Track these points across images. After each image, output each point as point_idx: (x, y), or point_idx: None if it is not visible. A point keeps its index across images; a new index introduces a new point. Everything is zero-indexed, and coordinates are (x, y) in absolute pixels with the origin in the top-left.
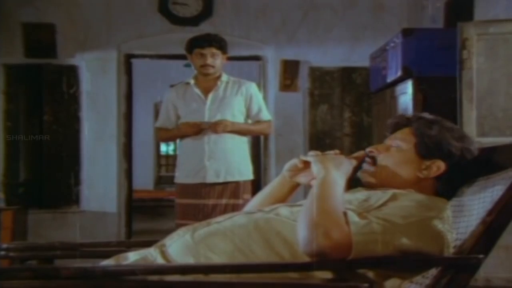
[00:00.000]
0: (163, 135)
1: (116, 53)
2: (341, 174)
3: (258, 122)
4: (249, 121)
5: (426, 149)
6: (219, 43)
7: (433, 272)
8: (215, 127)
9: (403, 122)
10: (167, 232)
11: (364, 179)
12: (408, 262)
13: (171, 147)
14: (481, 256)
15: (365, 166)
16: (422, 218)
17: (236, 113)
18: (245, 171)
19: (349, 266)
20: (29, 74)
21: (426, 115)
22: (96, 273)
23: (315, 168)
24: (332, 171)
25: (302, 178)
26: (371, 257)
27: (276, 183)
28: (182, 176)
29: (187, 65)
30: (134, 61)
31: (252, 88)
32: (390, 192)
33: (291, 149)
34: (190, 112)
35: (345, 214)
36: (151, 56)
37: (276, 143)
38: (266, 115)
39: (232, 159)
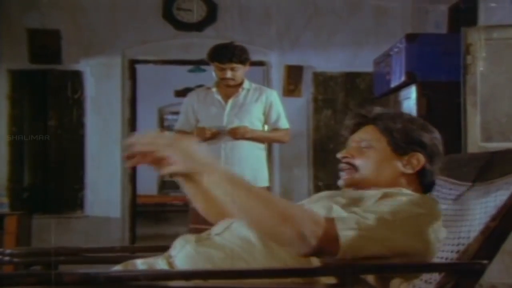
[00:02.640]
0: None
1: (120, 58)
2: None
3: (276, 129)
4: (266, 128)
5: (400, 144)
6: (239, 58)
7: (436, 277)
8: (235, 132)
9: (363, 121)
10: (171, 237)
11: (347, 186)
12: (411, 268)
13: None
14: (485, 261)
15: (345, 174)
16: (412, 215)
17: (254, 120)
18: (260, 178)
19: (353, 272)
20: (34, 79)
21: (384, 110)
22: (99, 279)
23: (181, 166)
24: (215, 167)
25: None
26: (375, 264)
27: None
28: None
29: (191, 71)
30: (138, 66)
31: (273, 96)
32: (382, 190)
33: (295, 154)
34: (209, 116)
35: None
36: (155, 62)
37: (280, 149)
38: (284, 123)
39: (248, 166)
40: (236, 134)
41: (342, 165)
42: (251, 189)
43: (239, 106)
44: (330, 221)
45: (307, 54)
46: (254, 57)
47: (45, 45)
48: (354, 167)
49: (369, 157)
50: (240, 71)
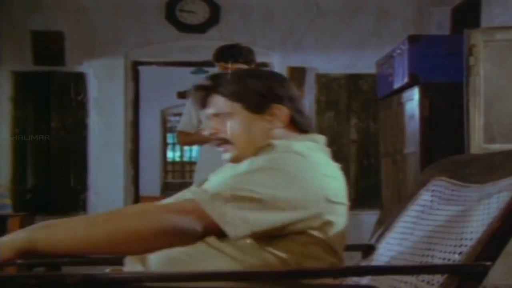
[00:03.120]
0: (184, 138)
1: (123, 60)
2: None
3: None
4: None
5: (254, 103)
6: (245, 58)
7: (439, 279)
8: None
9: (207, 93)
10: None
11: (234, 162)
12: (414, 269)
13: (178, 153)
14: (488, 263)
15: (224, 149)
16: (281, 166)
17: None
18: None
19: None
20: (37, 81)
21: (223, 73)
22: (102, 281)
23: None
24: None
25: None
26: (372, 266)
27: None
28: (200, 181)
29: (194, 72)
30: (141, 68)
31: None
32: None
33: None
34: None
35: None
36: (158, 63)
37: None
38: None
39: None
40: None
41: (216, 142)
42: (91, 224)
43: None
44: (194, 202)
45: (310, 55)
46: (257, 59)
47: (49, 46)
48: (226, 141)
49: (233, 127)
50: None
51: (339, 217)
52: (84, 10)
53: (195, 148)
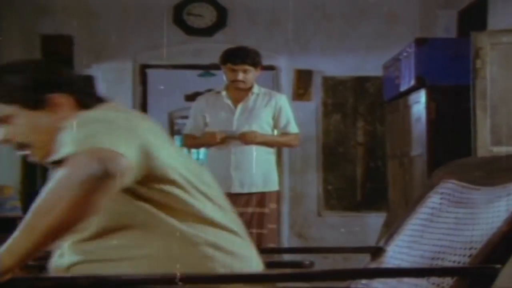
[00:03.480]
0: (190, 142)
1: (131, 63)
2: None
3: (285, 134)
4: (276, 132)
5: (26, 98)
6: (252, 60)
7: (448, 281)
8: (245, 137)
9: None
10: None
11: (43, 162)
12: (423, 271)
13: None
14: (498, 266)
15: (29, 157)
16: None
17: (263, 125)
18: (270, 182)
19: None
20: None
21: None
22: (112, 282)
23: None
24: None
25: None
26: (379, 268)
27: None
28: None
29: (202, 75)
30: (149, 71)
31: (282, 100)
32: None
33: (304, 158)
34: (218, 121)
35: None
36: (165, 66)
37: (289, 152)
38: (294, 127)
39: (258, 170)
40: (246, 139)
41: (16, 149)
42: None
43: (249, 110)
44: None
45: (317, 58)
46: (264, 62)
47: (58, 50)
48: (24, 145)
49: (21, 129)
50: (251, 74)
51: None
52: (93, 15)
53: (202, 150)
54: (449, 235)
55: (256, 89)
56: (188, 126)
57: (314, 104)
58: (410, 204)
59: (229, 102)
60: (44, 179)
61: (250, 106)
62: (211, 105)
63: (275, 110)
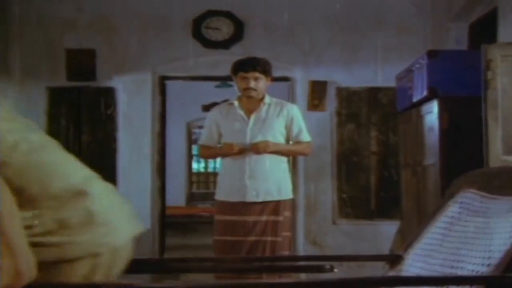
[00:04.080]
0: (206, 152)
1: (151, 75)
2: None
3: (298, 142)
4: (290, 142)
5: None
6: (262, 67)
7: None
8: (257, 147)
9: None
10: (199, 247)
11: None
12: (443, 280)
13: (202, 164)
14: None
15: None
16: None
17: (277, 134)
18: (284, 191)
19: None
20: (70, 96)
21: None
22: None
23: None
24: None
25: None
26: (410, 276)
27: None
28: (222, 193)
29: (218, 86)
30: (168, 82)
31: (294, 110)
32: None
33: (319, 167)
34: (232, 131)
35: None
36: (184, 78)
37: (304, 162)
38: (306, 136)
39: (272, 179)
40: (258, 149)
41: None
42: None
43: (262, 121)
44: None
45: (331, 70)
46: (279, 73)
47: (81, 63)
48: None
49: None
50: (262, 82)
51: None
52: (115, 29)
53: (218, 159)
54: (468, 244)
55: (267, 99)
56: (203, 137)
57: (328, 114)
58: (425, 212)
59: (242, 112)
60: None
61: (263, 116)
62: (224, 116)
63: (287, 119)
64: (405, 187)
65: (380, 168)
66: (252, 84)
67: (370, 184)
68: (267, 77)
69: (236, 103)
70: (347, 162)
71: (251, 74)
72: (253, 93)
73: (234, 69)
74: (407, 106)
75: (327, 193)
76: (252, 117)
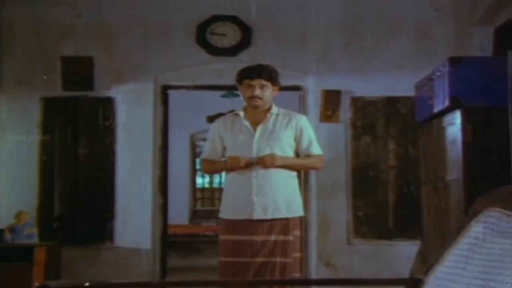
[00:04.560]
0: (209, 167)
1: (152, 84)
2: None
3: (308, 156)
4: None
5: None
6: (268, 74)
7: None
8: (263, 161)
9: None
10: (204, 269)
11: None
12: None
13: (207, 179)
14: None
15: None
16: None
17: (285, 147)
18: (294, 207)
19: None
20: (66, 107)
21: None
22: None
23: None
24: None
25: None
26: None
27: None
28: (227, 211)
29: (224, 96)
30: (171, 92)
31: (303, 121)
32: None
33: (333, 182)
34: (237, 144)
35: None
36: (187, 87)
37: (317, 177)
38: (317, 149)
39: (281, 195)
40: (265, 162)
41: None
42: None
43: (269, 132)
44: None
45: (345, 78)
46: (290, 82)
47: (78, 72)
48: None
49: None
50: (268, 91)
51: None
52: (114, 35)
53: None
54: (494, 268)
55: (275, 109)
56: (206, 150)
57: (342, 125)
58: (448, 232)
59: (247, 124)
60: (62, 205)
61: (270, 127)
62: (229, 128)
63: (296, 131)
64: (426, 205)
65: (398, 183)
66: (258, 92)
67: (388, 201)
68: (274, 86)
69: (241, 113)
70: (363, 177)
71: (256, 82)
72: (259, 102)
73: (238, 77)
74: (427, 117)
75: (342, 210)
76: (259, 128)
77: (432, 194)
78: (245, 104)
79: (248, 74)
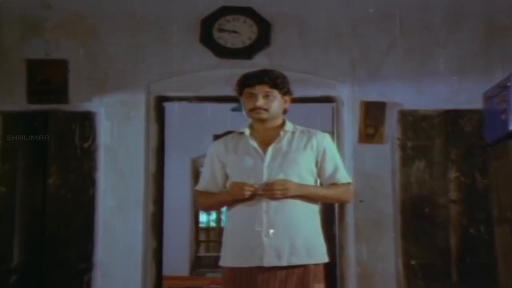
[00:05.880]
0: (206, 201)
1: (144, 95)
2: None
3: (333, 185)
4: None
5: None
6: (273, 80)
7: None
8: (271, 189)
9: None
10: None
11: None
12: None
13: (213, 216)
14: None
15: None
16: None
17: (303, 173)
18: (316, 251)
19: None
20: (32, 123)
21: None
22: None
23: None
24: None
25: None
26: None
27: None
28: (230, 257)
29: (235, 109)
30: (168, 105)
31: (326, 140)
32: None
33: (376, 220)
34: (243, 170)
35: None
36: (189, 99)
37: (355, 212)
38: (344, 176)
39: (299, 234)
40: (273, 191)
41: None
42: None
43: (283, 155)
44: None
45: (391, 86)
46: (319, 92)
47: (48, 79)
48: None
49: None
50: (276, 101)
51: None
52: (95, 33)
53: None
54: None
55: (289, 126)
56: (203, 182)
57: (388, 147)
58: None
59: (255, 144)
60: (24, 252)
61: (284, 148)
62: (231, 150)
63: (317, 153)
64: (502, 250)
65: (463, 223)
66: (261, 102)
67: (449, 245)
68: (283, 95)
69: (246, 131)
70: (416, 214)
71: (258, 89)
72: (264, 114)
73: (238, 87)
74: (500, 136)
75: (389, 258)
76: (270, 150)
77: (509, 236)
78: (250, 120)
79: (248, 80)
